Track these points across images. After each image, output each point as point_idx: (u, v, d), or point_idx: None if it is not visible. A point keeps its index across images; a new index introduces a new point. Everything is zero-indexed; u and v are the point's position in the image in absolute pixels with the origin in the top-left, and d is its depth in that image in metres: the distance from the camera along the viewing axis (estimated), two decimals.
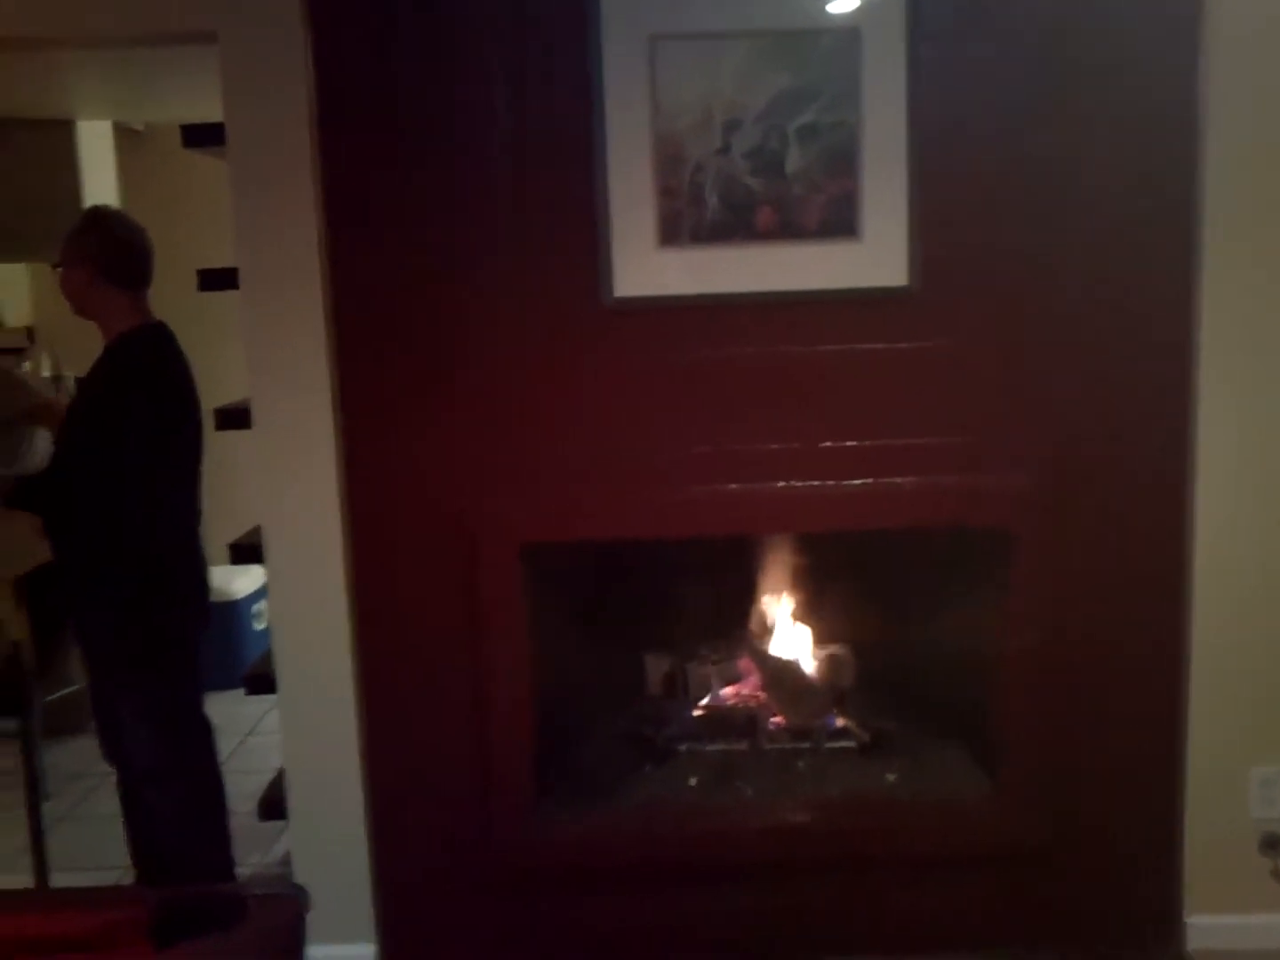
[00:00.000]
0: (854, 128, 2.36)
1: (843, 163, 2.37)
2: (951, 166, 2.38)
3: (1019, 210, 2.41)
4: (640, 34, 2.33)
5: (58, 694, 3.98)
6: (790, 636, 2.88)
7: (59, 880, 2.76)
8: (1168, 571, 2.50)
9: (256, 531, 2.59)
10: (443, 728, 2.54)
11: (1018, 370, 2.45)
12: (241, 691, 2.87)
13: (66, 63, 3.57)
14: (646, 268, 2.40)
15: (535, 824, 2.55)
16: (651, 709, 2.87)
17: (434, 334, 2.45)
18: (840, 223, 2.39)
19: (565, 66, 2.35)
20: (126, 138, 4.76)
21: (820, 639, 2.87)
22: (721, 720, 2.82)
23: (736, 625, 2.90)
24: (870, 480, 2.44)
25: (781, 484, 2.46)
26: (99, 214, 2.87)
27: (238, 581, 4.53)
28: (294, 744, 2.59)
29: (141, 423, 2.63)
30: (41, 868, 2.70)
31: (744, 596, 2.89)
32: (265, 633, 2.82)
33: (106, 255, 2.68)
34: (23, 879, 2.79)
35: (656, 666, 2.91)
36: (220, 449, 2.88)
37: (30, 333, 4.71)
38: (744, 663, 2.91)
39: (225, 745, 3.02)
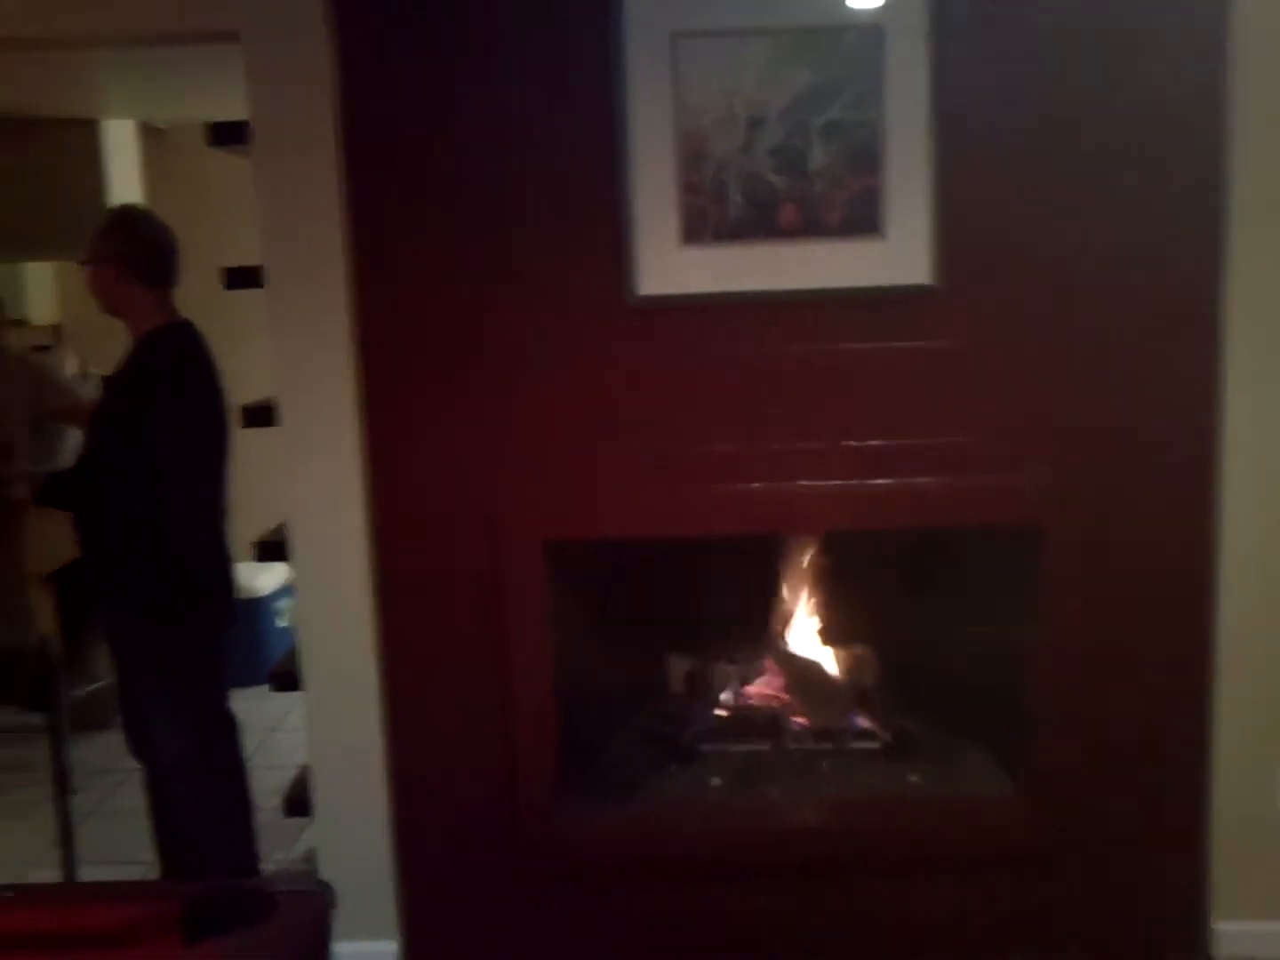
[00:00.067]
0: (877, 125, 2.35)
1: (866, 160, 2.36)
2: (975, 164, 2.37)
3: (1043, 208, 2.39)
4: (662, 32, 2.33)
5: (85, 690, 4.01)
6: (813, 636, 2.88)
7: (87, 874, 2.79)
8: (1195, 570, 2.48)
9: (281, 529, 2.60)
10: (466, 724, 2.55)
11: (1042, 368, 2.43)
12: (266, 687, 2.89)
13: (91, 62, 3.59)
14: (670, 266, 2.39)
15: (559, 822, 2.55)
16: (674, 708, 2.87)
17: (457, 333, 2.45)
18: (863, 220, 2.38)
19: (588, 65, 2.35)
20: (151, 136, 4.79)
21: (843, 639, 2.86)
22: (744, 720, 2.81)
23: (759, 625, 2.89)
24: (894, 480, 2.43)
25: (805, 483, 2.45)
26: (126, 213, 2.90)
27: (262, 578, 4.52)
28: (318, 741, 2.60)
29: (168, 421, 2.65)
30: (69, 862, 2.72)
31: (767, 596, 2.88)
32: (289, 630, 2.83)
33: (133, 253, 2.70)
34: (51, 873, 2.82)
35: (679, 666, 2.91)
36: (245, 447, 2.88)
37: (57, 330, 4.75)
38: (767, 663, 2.90)
39: (250, 741, 3.04)
